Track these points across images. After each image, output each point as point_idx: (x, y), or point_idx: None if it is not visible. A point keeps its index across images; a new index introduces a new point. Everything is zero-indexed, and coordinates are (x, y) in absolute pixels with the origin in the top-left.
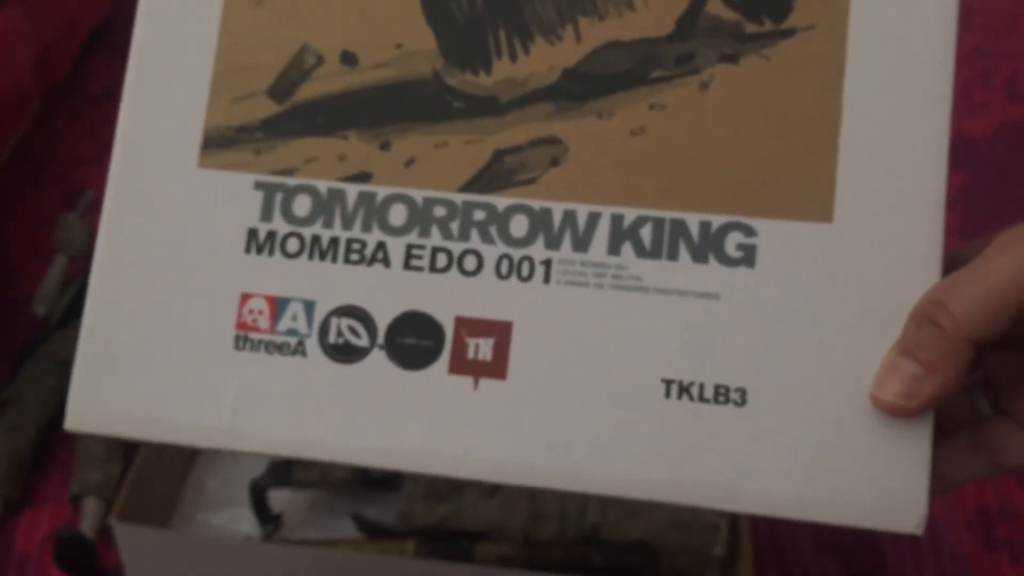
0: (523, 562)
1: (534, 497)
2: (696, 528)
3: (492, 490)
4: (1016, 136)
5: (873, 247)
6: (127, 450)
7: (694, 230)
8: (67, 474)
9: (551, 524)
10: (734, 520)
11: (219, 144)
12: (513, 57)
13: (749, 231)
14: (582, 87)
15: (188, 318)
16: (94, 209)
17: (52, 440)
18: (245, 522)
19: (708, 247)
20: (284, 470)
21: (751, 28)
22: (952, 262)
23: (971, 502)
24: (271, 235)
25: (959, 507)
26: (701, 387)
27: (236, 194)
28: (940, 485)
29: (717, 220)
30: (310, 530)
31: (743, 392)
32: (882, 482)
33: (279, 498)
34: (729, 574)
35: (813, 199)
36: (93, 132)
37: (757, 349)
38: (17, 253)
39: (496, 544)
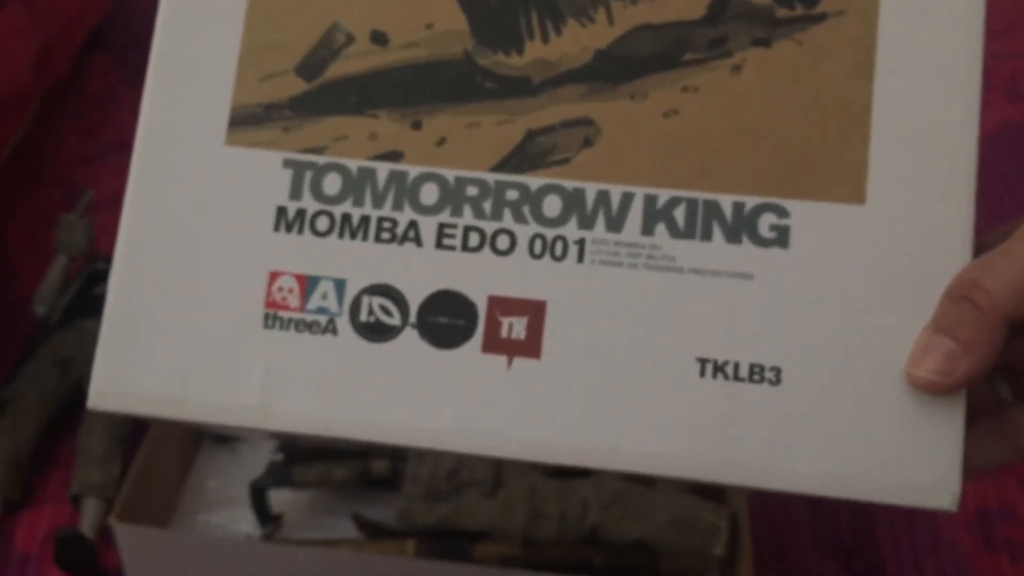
0: (523, 562)
1: (534, 497)
2: (696, 528)
3: (492, 490)
4: (1016, 136)
5: (905, 228)
6: (127, 450)
7: (727, 211)
8: (67, 474)
9: (551, 524)
10: (734, 520)
11: (247, 122)
12: (545, 38)
13: (782, 212)
14: (614, 69)
15: (215, 296)
16: (94, 209)
17: (52, 440)
18: (245, 522)
19: (741, 228)
20: (284, 470)
21: (782, 13)
22: (975, 250)
23: (971, 502)
24: (300, 213)
25: (959, 507)
26: (736, 366)
27: (264, 172)
28: (964, 470)
29: (750, 201)
30: (310, 530)
31: (778, 371)
32: (916, 459)
33: (279, 498)
34: (729, 574)
35: (846, 181)
36: (93, 132)
37: (791, 328)
38: (17, 253)
39: (496, 544)
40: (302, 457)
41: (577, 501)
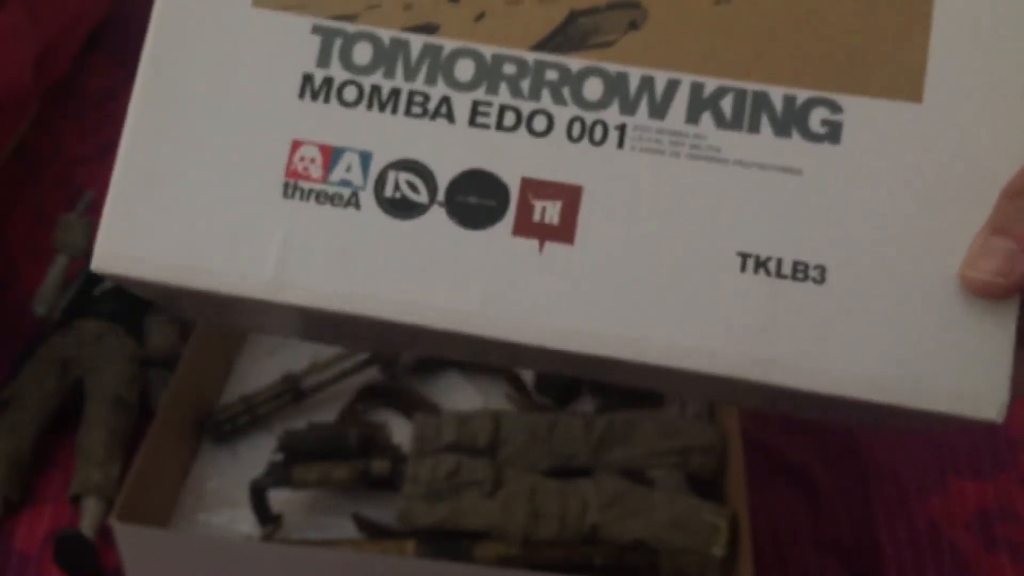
0: (523, 562)
1: (534, 497)
2: (696, 528)
3: (492, 490)
4: None
5: (963, 128)
6: (127, 450)
7: (777, 103)
8: (67, 474)
9: (551, 524)
10: (734, 520)
11: None
12: None
13: (835, 107)
14: None
15: (233, 161)
16: (94, 209)
17: (52, 440)
18: (245, 522)
19: (791, 121)
20: (284, 470)
21: None
22: None
23: (971, 502)
24: (327, 82)
25: (959, 507)
26: (779, 262)
27: (292, 37)
28: None
29: (802, 94)
30: (310, 530)
31: (822, 269)
32: (963, 367)
33: (279, 498)
34: (729, 574)
35: (903, 78)
36: (93, 132)
37: (839, 226)
38: (17, 253)
39: (496, 544)
40: (302, 457)
41: (577, 501)
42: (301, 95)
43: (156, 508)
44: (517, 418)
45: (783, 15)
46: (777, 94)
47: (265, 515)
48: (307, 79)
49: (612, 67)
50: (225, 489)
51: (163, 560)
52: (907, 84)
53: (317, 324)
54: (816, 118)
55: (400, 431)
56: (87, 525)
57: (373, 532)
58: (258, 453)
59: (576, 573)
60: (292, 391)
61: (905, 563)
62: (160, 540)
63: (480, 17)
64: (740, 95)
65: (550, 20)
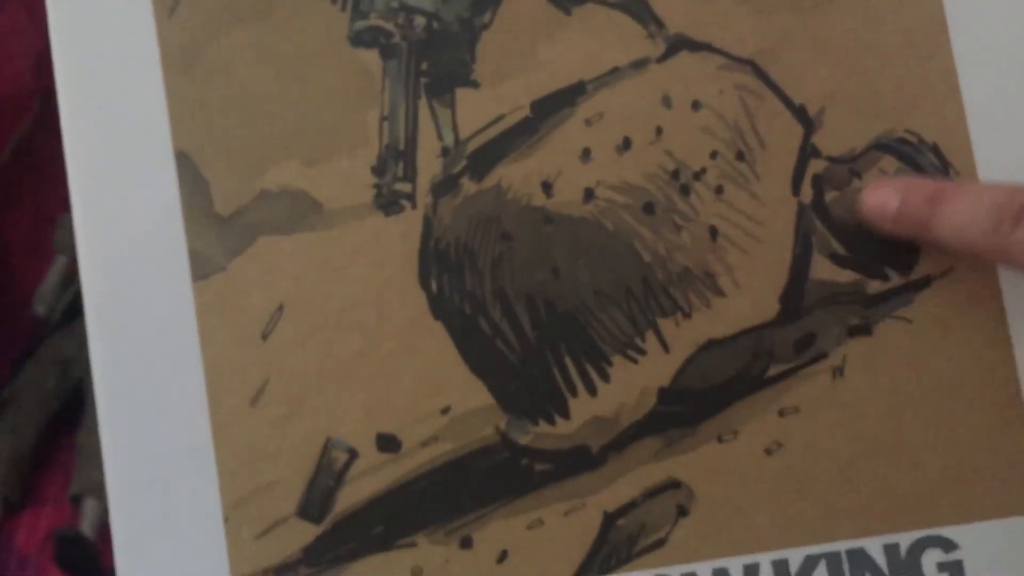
0: None
1: None
2: None
3: None
4: None
5: None
6: None
7: (879, 558)
8: (67, 474)
9: None
10: None
11: None
12: (591, 390)
13: (948, 544)
14: (688, 407)
15: None
16: None
17: (52, 440)
18: None
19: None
20: None
21: (875, 287)
22: None
23: None
24: None
25: None
26: None
27: None
28: None
29: (905, 539)
30: None
31: None
32: None
33: None
34: None
35: (1017, 486)
36: None
37: None
38: (17, 253)
39: None
40: None
41: None
42: None
43: None
44: None
45: (852, 447)
46: (875, 547)
47: None
48: None
49: (675, 570)
50: None
51: None
52: (1018, 494)
53: None
54: (930, 563)
55: None
56: (87, 525)
57: None
58: None
59: None
60: None
61: None
62: None
63: (503, 558)
64: (834, 561)
65: (585, 534)
